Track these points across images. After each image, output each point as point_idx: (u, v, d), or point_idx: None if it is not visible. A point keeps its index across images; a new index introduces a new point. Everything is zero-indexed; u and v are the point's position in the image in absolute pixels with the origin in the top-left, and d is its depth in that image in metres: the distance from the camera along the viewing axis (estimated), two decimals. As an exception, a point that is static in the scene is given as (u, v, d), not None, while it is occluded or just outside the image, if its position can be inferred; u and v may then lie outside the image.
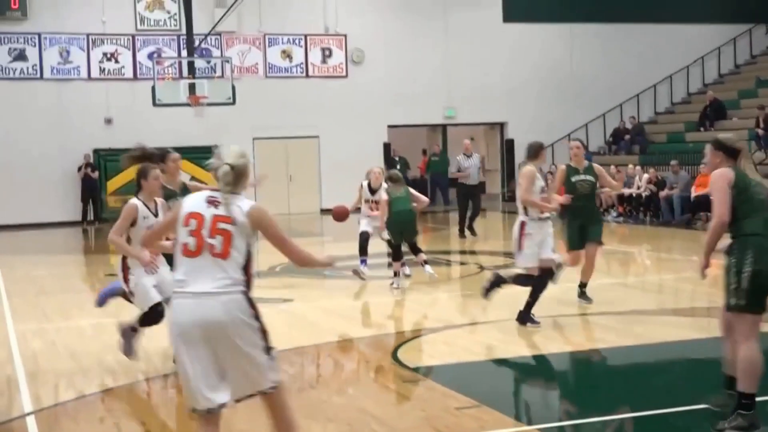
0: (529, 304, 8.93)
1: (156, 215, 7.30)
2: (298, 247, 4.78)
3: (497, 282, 9.21)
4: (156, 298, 7.28)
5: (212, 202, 4.62)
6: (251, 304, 4.56)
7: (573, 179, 9.99)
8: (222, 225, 4.56)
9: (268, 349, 4.59)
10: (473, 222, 18.06)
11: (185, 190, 7.86)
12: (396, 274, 11.79)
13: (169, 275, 6.51)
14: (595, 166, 10.32)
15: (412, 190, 11.98)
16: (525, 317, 8.94)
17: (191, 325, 4.47)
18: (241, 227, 4.58)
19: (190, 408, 4.63)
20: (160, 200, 7.49)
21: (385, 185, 12.17)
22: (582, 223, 10.02)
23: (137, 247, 7.12)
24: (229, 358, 4.50)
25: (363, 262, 12.31)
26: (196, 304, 4.48)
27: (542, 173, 9.38)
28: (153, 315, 7.34)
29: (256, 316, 4.56)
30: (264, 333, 4.58)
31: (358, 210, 12.51)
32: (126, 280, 7.40)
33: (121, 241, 7.16)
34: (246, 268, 4.58)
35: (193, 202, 4.69)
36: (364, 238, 12.31)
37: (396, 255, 11.82)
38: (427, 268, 11.94)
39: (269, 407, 4.74)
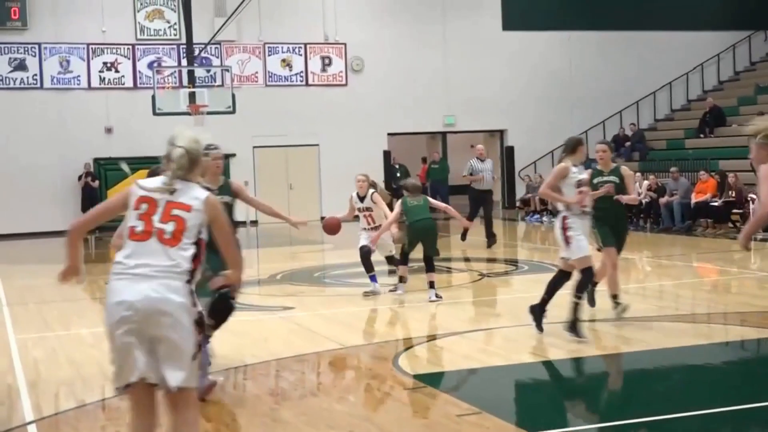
0: (545, 301, 8.84)
1: None
2: (238, 250, 4.84)
3: (577, 304, 8.64)
4: None
5: (167, 188, 4.53)
6: (192, 294, 4.44)
7: (595, 181, 9.76)
8: (176, 211, 4.48)
9: (197, 346, 4.44)
10: (491, 229, 17.94)
11: (226, 189, 7.54)
12: (401, 279, 11.64)
13: None
14: (623, 168, 10.01)
15: (431, 199, 11.77)
16: (538, 311, 8.85)
17: (128, 305, 4.34)
18: (196, 215, 4.51)
19: (119, 386, 4.46)
20: None
21: (371, 191, 11.96)
22: (610, 224, 9.68)
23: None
24: (160, 342, 4.35)
25: (373, 278, 11.78)
26: (136, 284, 4.36)
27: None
28: None
29: (195, 304, 4.44)
30: (199, 326, 4.44)
31: (356, 218, 12.26)
32: None
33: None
34: (195, 258, 4.49)
35: (147, 187, 4.58)
36: (366, 251, 11.79)
37: (404, 260, 11.60)
38: (431, 293, 11.29)
39: (176, 409, 4.50)
